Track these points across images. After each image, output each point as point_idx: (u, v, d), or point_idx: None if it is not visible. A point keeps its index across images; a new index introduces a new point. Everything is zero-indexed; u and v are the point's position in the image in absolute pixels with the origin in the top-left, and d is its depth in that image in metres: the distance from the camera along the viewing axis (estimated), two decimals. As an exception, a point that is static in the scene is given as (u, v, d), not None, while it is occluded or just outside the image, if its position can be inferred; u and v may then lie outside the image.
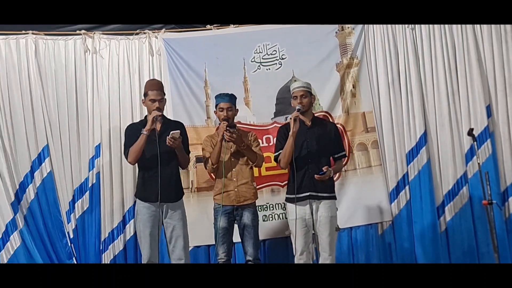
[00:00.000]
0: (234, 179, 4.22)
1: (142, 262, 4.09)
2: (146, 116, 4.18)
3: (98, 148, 5.04)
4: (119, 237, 4.99)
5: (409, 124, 5.24)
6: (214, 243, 4.22)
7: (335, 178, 4.99)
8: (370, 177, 5.20)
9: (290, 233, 4.12)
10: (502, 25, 5.32)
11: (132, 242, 5.00)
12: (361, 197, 5.13)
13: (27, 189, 4.97)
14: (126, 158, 4.16)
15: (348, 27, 5.32)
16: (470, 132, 4.13)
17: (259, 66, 5.30)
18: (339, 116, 5.25)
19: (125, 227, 5.01)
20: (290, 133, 3.97)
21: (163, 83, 4.45)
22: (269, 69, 5.30)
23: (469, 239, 5.10)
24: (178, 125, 4.22)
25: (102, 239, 4.98)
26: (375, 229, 5.14)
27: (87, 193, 5.01)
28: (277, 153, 4.18)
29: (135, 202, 4.94)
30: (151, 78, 5.09)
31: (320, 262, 4.09)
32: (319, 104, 5.25)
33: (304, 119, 4.09)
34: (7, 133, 4.98)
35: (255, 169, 4.55)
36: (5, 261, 4.81)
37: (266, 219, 5.04)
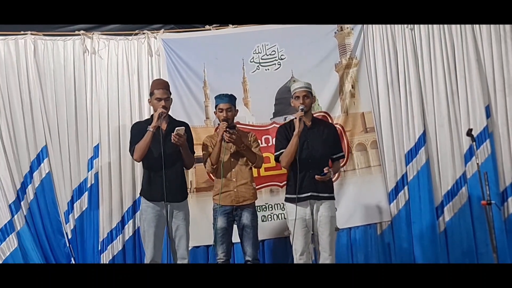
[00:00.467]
0: (234, 180, 4.22)
1: (145, 262, 4.09)
2: (152, 115, 4.18)
3: (96, 148, 5.04)
4: (118, 237, 4.99)
5: (408, 124, 5.24)
6: (213, 243, 4.21)
7: (334, 179, 5.01)
8: (369, 177, 5.20)
9: (289, 233, 4.12)
10: (501, 26, 5.33)
11: (131, 242, 5.01)
12: (360, 197, 5.13)
13: (26, 190, 4.97)
14: (132, 156, 4.16)
15: (347, 27, 5.32)
16: (469, 133, 4.13)
17: (258, 66, 5.29)
18: (338, 117, 5.25)
19: (124, 227, 5.01)
20: (295, 132, 3.97)
21: (164, 83, 4.45)
22: (268, 69, 5.30)
23: (468, 239, 5.10)
24: (184, 126, 4.22)
25: (101, 239, 4.97)
26: (374, 229, 5.14)
27: (86, 193, 5.02)
28: (278, 152, 4.17)
29: (134, 202, 4.99)
30: (150, 78, 5.10)
31: (320, 262, 4.08)
32: (318, 105, 5.25)
33: (305, 119, 4.09)
34: (7, 133, 4.97)
35: (254, 170, 4.55)
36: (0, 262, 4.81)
37: (265, 220, 5.03)
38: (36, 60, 5.06)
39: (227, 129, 4.06)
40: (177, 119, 4.40)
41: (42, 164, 5.00)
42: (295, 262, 4.06)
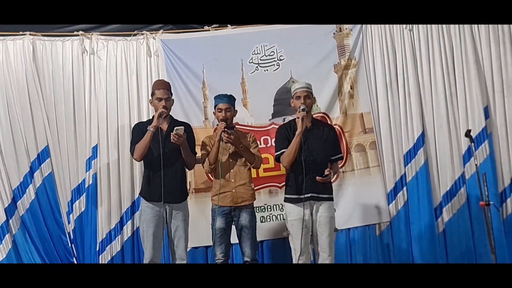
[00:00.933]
0: (232, 180, 4.21)
1: (144, 262, 4.09)
2: (153, 116, 4.18)
3: (95, 149, 5.03)
4: (117, 238, 4.98)
5: (407, 125, 5.25)
6: (212, 244, 4.21)
7: (332, 180, 5.01)
8: (368, 178, 5.20)
9: (288, 234, 4.11)
10: (499, 27, 5.34)
11: (130, 243, 5.00)
12: (359, 198, 5.13)
13: (26, 190, 4.96)
14: (132, 155, 4.17)
15: (346, 28, 5.32)
16: (467, 134, 4.13)
17: (257, 67, 5.30)
18: (337, 117, 5.26)
19: (122, 228, 5.01)
20: (297, 132, 3.98)
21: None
22: (267, 70, 5.30)
23: (466, 240, 5.11)
24: (185, 126, 4.22)
25: (100, 240, 4.97)
26: (373, 230, 5.14)
27: (85, 194, 5.01)
28: (278, 152, 4.16)
29: (132, 203, 4.98)
30: (149, 79, 5.10)
31: (319, 263, 4.08)
32: (317, 105, 5.24)
33: (305, 120, 4.09)
34: (5, 134, 4.97)
35: (253, 170, 4.54)
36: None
37: (264, 220, 5.03)
38: (35, 60, 5.06)
39: (226, 129, 4.06)
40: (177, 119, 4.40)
41: (43, 164, 5.00)
42: (294, 262, 4.06)
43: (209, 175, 4.78)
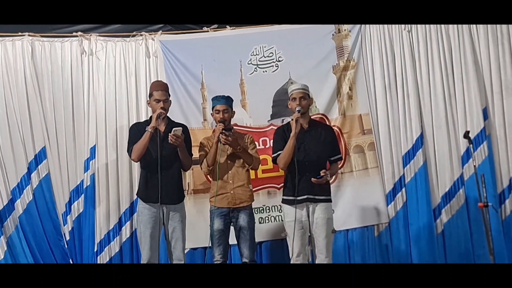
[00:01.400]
0: (230, 181, 4.21)
1: (141, 263, 4.08)
2: (151, 117, 4.18)
3: (93, 150, 5.03)
4: (115, 239, 4.98)
5: (406, 126, 5.24)
6: (210, 245, 4.21)
7: (331, 181, 4.99)
8: (367, 179, 5.20)
9: (286, 235, 4.11)
10: (498, 28, 5.34)
11: (128, 244, 5.00)
12: (358, 199, 5.13)
13: (24, 191, 4.96)
14: (130, 156, 4.16)
15: (345, 30, 5.32)
16: (466, 135, 4.12)
17: (255, 68, 5.30)
18: (335, 118, 5.26)
19: (121, 229, 5.01)
20: (292, 134, 3.97)
21: (162, 85, 4.45)
22: (266, 71, 5.30)
23: (465, 241, 5.11)
24: (182, 127, 4.21)
25: (98, 241, 4.96)
26: (371, 231, 5.14)
27: (83, 195, 5.01)
28: (275, 154, 4.16)
29: (131, 204, 4.98)
30: (148, 80, 5.10)
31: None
32: (316, 106, 5.25)
33: (302, 121, 4.09)
34: (3, 135, 4.97)
35: (252, 171, 4.54)
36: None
37: (262, 221, 5.03)
38: (34, 61, 5.07)
39: (223, 131, 4.05)
40: (174, 121, 4.39)
41: (40, 165, 5.00)
42: (291, 263, 4.06)
43: (208, 176, 4.77)
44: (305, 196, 4.02)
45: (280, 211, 4.79)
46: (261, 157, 4.59)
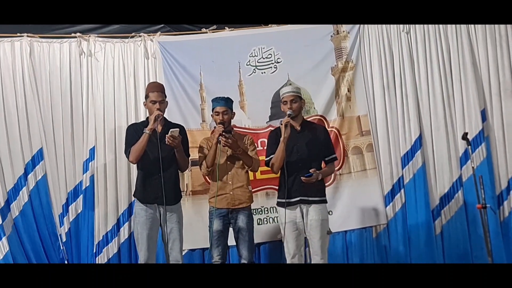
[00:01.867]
0: (230, 182, 4.20)
1: (140, 263, 4.08)
2: (147, 118, 4.18)
3: (92, 151, 5.03)
4: (113, 240, 4.98)
5: (404, 128, 5.25)
6: (209, 246, 4.20)
7: (329, 182, 5.03)
8: (365, 180, 5.20)
9: (282, 236, 4.12)
10: (496, 29, 5.35)
11: (126, 245, 5.00)
12: (356, 201, 5.13)
13: (20, 192, 4.95)
14: (127, 157, 4.15)
15: (344, 31, 5.33)
16: (464, 136, 4.13)
17: (254, 69, 5.30)
18: (334, 120, 5.26)
19: (119, 230, 5.00)
20: (281, 138, 3.98)
21: (160, 86, 4.45)
22: (264, 72, 5.30)
23: (463, 242, 5.11)
24: (179, 128, 4.21)
25: (96, 242, 4.96)
26: (370, 233, 5.14)
27: (81, 196, 5.01)
28: (268, 158, 4.19)
29: (129, 204, 4.97)
30: (147, 81, 5.10)
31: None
32: (314, 108, 5.26)
33: (294, 123, 4.10)
34: (1, 135, 4.96)
35: (250, 173, 4.54)
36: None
37: (260, 223, 5.03)
38: (32, 62, 5.06)
39: (223, 133, 4.04)
40: (173, 122, 4.39)
41: (37, 166, 4.99)
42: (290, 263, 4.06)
43: (207, 177, 4.77)
44: (298, 198, 4.04)
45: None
46: (260, 158, 4.57)
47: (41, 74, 5.09)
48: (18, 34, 5.06)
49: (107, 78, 5.17)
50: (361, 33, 5.34)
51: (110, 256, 4.95)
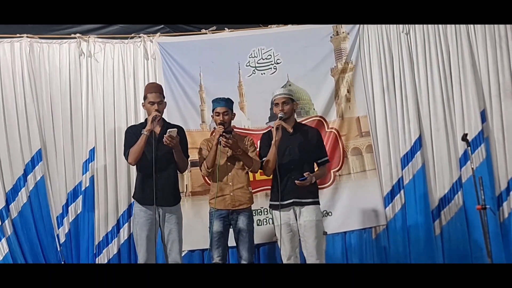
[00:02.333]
0: (230, 183, 4.20)
1: (140, 263, 4.07)
2: (146, 119, 4.18)
3: (92, 151, 5.02)
4: (113, 241, 4.97)
5: (404, 129, 5.25)
6: (208, 247, 4.20)
7: (328, 183, 5.04)
8: (365, 181, 5.20)
9: (277, 239, 4.13)
10: (496, 30, 5.36)
11: (126, 245, 5.00)
12: (356, 202, 5.13)
13: (19, 193, 4.95)
14: (126, 159, 4.14)
15: (343, 32, 5.33)
16: (464, 137, 4.13)
17: (254, 70, 5.30)
18: (333, 121, 5.26)
19: (119, 231, 5.00)
20: (273, 141, 3.98)
21: (158, 87, 4.44)
22: (264, 73, 5.31)
23: (463, 243, 5.11)
24: (178, 129, 4.21)
25: (96, 242, 4.96)
26: (369, 233, 5.14)
27: (81, 196, 5.00)
28: (261, 161, 4.19)
29: (129, 205, 4.97)
30: (146, 82, 5.09)
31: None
32: (314, 109, 5.26)
33: (286, 126, 4.09)
34: (1, 136, 4.96)
35: (250, 174, 4.54)
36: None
37: (260, 224, 5.02)
38: (32, 63, 5.06)
39: (224, 133, 4.03)
40: (172, 122, 4.39)
41: (36, 167, 4.98)
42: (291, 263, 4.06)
43: (207, 178, 4.77)
44: (291, 200, 4.04)
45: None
46: (259, 159, 4.59)
47: (41, 75, 5.09)
48: (18, 35, 5.06)
49: (106, 79, 5.17)
50: (361, 34, 5.35)
51: (110, 257, 4.95)
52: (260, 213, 5.05)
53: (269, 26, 5.37)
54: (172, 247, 4.05)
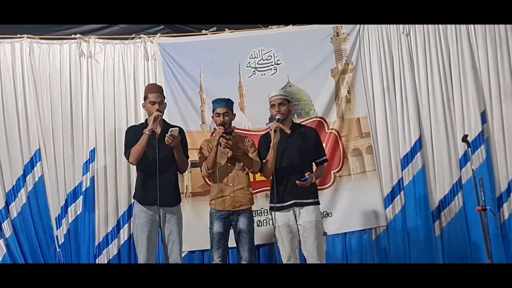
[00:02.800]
0: (230, 184, 4.19)
1: (140, 263, 4.07)
2: (146, 120, 4.18)
3: (92, 152, 5.02)
4: (113, 241, 4.97)
5: (404, 130, 5.25)
6: (208, 248, 4.19)
7: (328, 184, 5.03)
8: (365, 182, 5.20)
9: (276, 240, 4.12)
10: (496, 31, 5.36)
11: (126, 246, 5.00)
12: (356, 203, 5.13)
13: (18, 193, 4.95)
14: (127, 159, 4.14)
15: (344, 33, 5.33)
16: (464, 138, 4.13)
17: (254, 71, 5.30)
18: (334, 122, 5.26)
19: (119, 231, 5.00)
20: (271, 144, 3.97)
21: (159, 87, 4.45)
22: (264, 74, 5.31)
23: (463, 244, 5.11)
24: (179, 129, 4.21)
25: (96, 243, 4.96)
26: (369, 235, 5.14)
27: (81, 197, 5.00)
28: (261, 162, 4.18)
29: (129, 206, 4.97)
30: (146, 82, 5.09)
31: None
32: (314, 110, 5.26)
33: (283, 127, 4.08)
34: (1, 136, 4.96)
35: (250, 174, 4.53)
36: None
37: (260, 224, 5.02)
38: (32, 63, 5.07)
39: (224, 134, 4.03)
40: (173, 123, 4.38)
41: (35, 168, 4.99)
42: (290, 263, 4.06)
43: (207, 179, 4.77)
44: (292, 201, 4.03)
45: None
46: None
47: (41, 76, 5.09)
48: (18, 36, 5.06)
49: (107, 79, 5.17)
50: (361, 35, 5.35)
51: (110, 258, 4.95)
52: (260, 214, 5.05)
53: (269, 27, 5.37)
54: (172, 247, 4.04)
